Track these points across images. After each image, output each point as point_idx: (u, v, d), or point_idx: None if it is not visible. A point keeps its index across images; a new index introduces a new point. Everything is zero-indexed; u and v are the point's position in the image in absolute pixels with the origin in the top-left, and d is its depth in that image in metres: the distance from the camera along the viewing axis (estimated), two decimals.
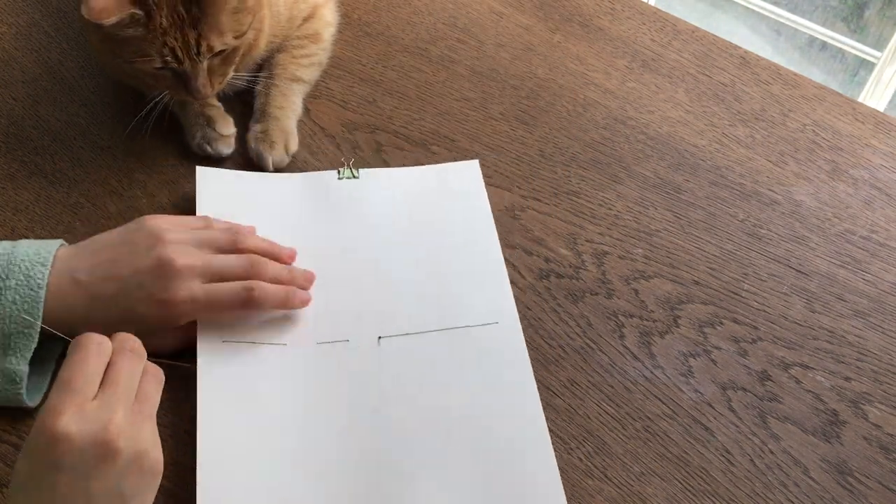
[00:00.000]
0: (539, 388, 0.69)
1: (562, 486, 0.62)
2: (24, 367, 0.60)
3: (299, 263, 0.72)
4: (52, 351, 0.64)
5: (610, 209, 0.80)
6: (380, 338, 0.69)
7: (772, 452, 0.68)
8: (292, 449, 0.63)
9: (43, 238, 0.66)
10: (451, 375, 0.67)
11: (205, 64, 0.72)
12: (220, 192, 0.75)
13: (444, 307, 0.71)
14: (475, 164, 0.80)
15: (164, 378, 0.58)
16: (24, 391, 0.61)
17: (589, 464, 0.66)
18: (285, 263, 0.70)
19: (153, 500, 0.55)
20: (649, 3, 1.06)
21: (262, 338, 0.67)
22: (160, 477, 0.55)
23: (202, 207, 0.73)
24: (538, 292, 0.74)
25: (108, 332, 0.57)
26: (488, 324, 0.70)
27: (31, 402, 0.63)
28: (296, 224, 0.75)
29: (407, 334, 0.69)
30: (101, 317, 0.62)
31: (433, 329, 0.69)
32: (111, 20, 0.66)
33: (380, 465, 0.62)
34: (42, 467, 0.50)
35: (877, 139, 0.86)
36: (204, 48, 0.70)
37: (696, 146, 0.84)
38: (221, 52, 0.72)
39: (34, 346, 0.60)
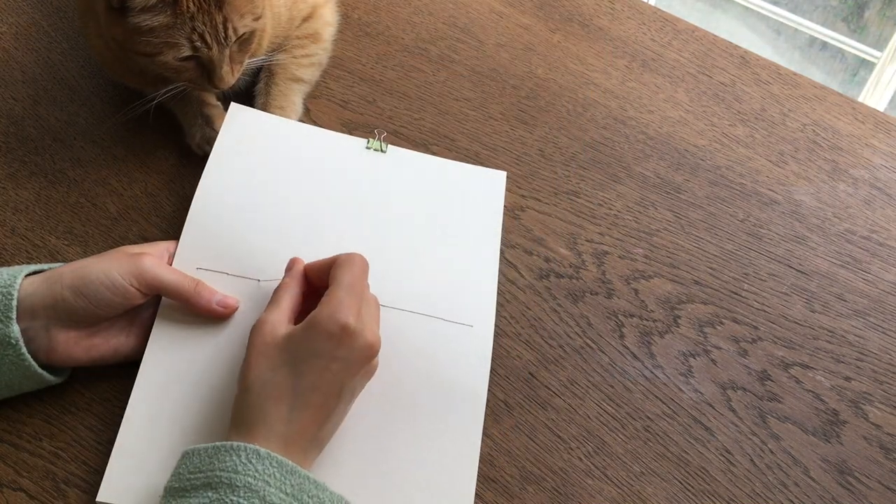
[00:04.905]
0: (539, 388, 0.69)
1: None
2: (12, 328, 0.60)
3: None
4: None
5: (610, 209, 0.80)
6: None
7: (772, 452, 0.68)
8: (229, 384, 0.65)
9: (43, 235, 0.66)
10: (411, 357, 0.68)
11: (228, 50, 0.71)
12: (244, 134, 0.77)
13: (428, 294, 0.71)
14: (502, 175, 0.80)
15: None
16: (24, 353, 0.60)
17: (589, 464, 0.66)
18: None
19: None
20: (649, 3, 1.06)
21: (238, 270, 0.70)
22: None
23: (222, 143, 0.75)
24: (538, 292, 0.74)
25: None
26: (464, 324, 0.70)
27: (58, 378, 0.64)
28: (310, 178, 0.76)
29: (384, 306, 0.69)
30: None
31: (410, 310, 0.70)
32: (141, 2, 0.66)
33: None
34: (328, 349, 0.59)
35: (877, 139, 0.86)
36: (230, 31, 0.70)
37: (696, 146, 0.84)
38: (241, 37, 0.72)
39: (14, 303, 0.60)
